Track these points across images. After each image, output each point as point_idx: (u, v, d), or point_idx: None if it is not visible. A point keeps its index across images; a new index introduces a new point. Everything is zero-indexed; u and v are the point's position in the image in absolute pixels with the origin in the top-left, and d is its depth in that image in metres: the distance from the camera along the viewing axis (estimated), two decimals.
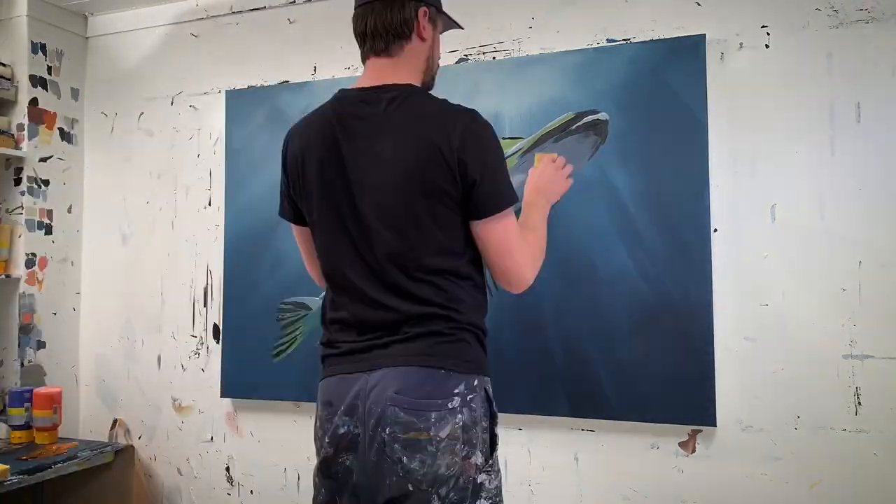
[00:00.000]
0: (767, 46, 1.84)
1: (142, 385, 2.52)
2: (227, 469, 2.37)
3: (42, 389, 2.32)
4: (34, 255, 2.46)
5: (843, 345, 1.74)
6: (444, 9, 1.40)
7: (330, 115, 1.30)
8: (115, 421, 2.55)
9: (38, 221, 2.48)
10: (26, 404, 2.28)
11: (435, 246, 1.24)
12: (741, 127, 1.84)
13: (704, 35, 1.84)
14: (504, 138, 2.00)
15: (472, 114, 1.26)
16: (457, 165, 1.21)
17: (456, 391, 1.21)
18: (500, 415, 1.33)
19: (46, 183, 2.51)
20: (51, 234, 2.52)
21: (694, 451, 1.86)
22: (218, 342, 2.38)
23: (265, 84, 2.36)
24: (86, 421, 2.60)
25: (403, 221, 1.24)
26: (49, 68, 2.53)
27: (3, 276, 2.39)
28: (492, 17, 2.11)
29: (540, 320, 1.94)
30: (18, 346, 2.41)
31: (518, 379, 1.96)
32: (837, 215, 1.76)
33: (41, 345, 2.48)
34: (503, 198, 1.25)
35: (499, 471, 1.30)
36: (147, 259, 2.51)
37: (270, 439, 2.30)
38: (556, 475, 1.98)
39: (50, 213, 2.52)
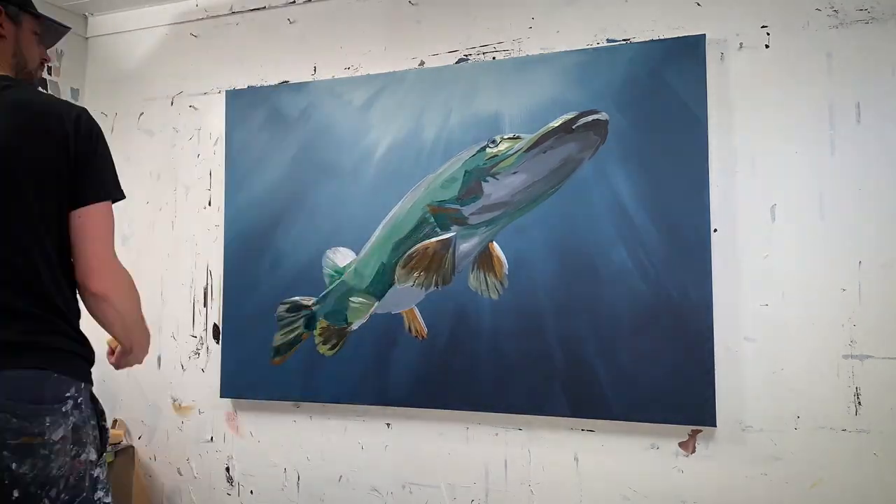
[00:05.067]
0: (767, 46, 1.84)
1: (142, 385, 2.52)
2: (227, 469, 2.37)
3: None
4: None
5: (843, 345, 1.74)
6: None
7: None
8: (114, 421, 2.54)
9: None
10: None
11: (32, 240, 1.23)
12: (741, 127, 1.84)
13: (704, 35, 1.84)
14: (504, 138, 2.00)
15: (83, 109, 1.32)
16: (70, 151, 1.24)
17: (68, 394, 1.24)
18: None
19: None
20: None
21: (694, 451, 1.86)
22: (218, 342, 2.38)
23: (265, 84, 2.36)
24: None
25: (3, 214, 1.23)
26: (49, 68, 2.53)
27: None
28: (492, 17, 2.11)
29: (540, 320, 1.94)
30: None
31: (518, 379, 1.96)
32: (837, 215, 1.76)
33: None
34: (105, 187, 1.29)
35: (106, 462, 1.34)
36: (147, 259, 2.51)
37: (270, 439, 2.30)
38: (556, 475, 1.98)
39: None
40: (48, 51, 1.52)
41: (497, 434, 2.04)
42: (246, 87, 2.40)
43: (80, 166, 1.26)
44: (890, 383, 1.71)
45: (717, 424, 1.81)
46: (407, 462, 2.13)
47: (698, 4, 1.90)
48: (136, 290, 1.38)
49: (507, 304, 1.98)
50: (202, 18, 2.49)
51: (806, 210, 1.79)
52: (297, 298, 2.21)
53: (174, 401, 2.46)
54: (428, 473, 2.11)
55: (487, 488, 2.05)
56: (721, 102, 1.85)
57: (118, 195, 1.33)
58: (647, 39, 1.92)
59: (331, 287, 2.18)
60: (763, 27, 1.84)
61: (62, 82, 2.58)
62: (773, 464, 1.79)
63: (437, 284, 2.06)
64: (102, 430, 1.33)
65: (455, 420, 2.08)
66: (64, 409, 1.23)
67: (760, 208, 1.82)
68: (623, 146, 1.89)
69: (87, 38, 2.67)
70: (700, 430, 1.85)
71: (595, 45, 1.98)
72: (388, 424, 2.16)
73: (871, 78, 1.75)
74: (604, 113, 1.91)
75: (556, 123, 1.95)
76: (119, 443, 2.39)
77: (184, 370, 2.45)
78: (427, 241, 2.06)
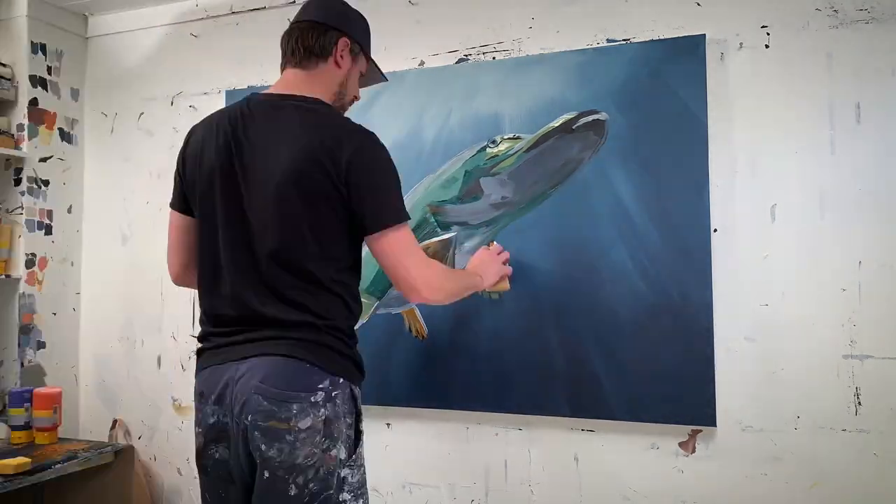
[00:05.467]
0: (767, 46, 1.84)
1: (142, 385, 2.52)
2: None
3: (42, 390, 2.31)
4: (34, 255, 2.46)
5: (843, 345, 1.74)
6: (374, 56, 1.55)
7: (235, 114, 1.37)
8: (114, 421, 2.54)
9: (38, 221, 2.48)
10: (26, 404, 2.28)
11: (313, 251, 1.30)
12: (741, 127, 1.84)
13: (704, 35, 1.84)
14: (504, 138, 2.00)
15: (371, 134, 1.34)
16: (345, 176, 1.27)
17: (320, 386, 1.26)
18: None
19: (46, 183, 2.51)
20: (51, 234, 2.52)
21: (694, 451, 1.86)
22: None
23: (265, 84, 2.36)
24: (86, 421, 2.60)
25: (285, 223, 1.29)
26: (49, 68, 2.53)
27: (3, 277, 2.39)
28: (492, 17, 2.11)
29: (540, 320, 1.94)
30: (18, 346, 2.41)
31: (518, 379, 1.96)
32: (837, 215, 1.76)
33: (41, 345, 2.48)
34: (390, 214, 1.31)
35: (362, 465, 1.36)
36: (147, 259, 2.51)
37: None
38: (556, 475, 1.98)
39: (50, 214, 2.52)
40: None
41: (497, 434, 2.04)
42: (246, 87, 2.40)
43: (353, 193, 1.29)
44: (890, 383, 1.71)
45: (717, 424, 1.81)
46: (407, 462, 2.13)
47: (698, 4, 1.90)
48: (450, 279, 1.46)
49: (507, 304, 1.98)
50: (202, 18, 2.49)
51: (806, 210, 1.79)
52: None
53: (174, 401, 2.46)
54: (428, 473, 2.11)
55: (487, 488, 2.05)
56: (721, 102, 1.85)
57: (398, 217, 1.32)
58: (647, 39, 1.92)
59: None
60: (763, 27, 1.84)
61: (62, 82, 2.58)
62: (773, 464, 1.79)
63: None
64: (357, 433, 1.34)
65: (455, 420, 2.08)
66: (314, 400, 1.25)
67: (760, 208, 1.82)
68: (623, 146, 1.89)
69: (87, 38, 2.67)
70: (700, 430, 1.85)
71: (595, 45, 1.98)
72: (388, 424, 2.16)
73: (871, 78, 1.75)
74: (604, 113, 1.91)
75: (556, 123, 1.95)
76: (119, 443, 2.40)
77: (184, 370, 2.45)
78: (427, 241, 2.06)
